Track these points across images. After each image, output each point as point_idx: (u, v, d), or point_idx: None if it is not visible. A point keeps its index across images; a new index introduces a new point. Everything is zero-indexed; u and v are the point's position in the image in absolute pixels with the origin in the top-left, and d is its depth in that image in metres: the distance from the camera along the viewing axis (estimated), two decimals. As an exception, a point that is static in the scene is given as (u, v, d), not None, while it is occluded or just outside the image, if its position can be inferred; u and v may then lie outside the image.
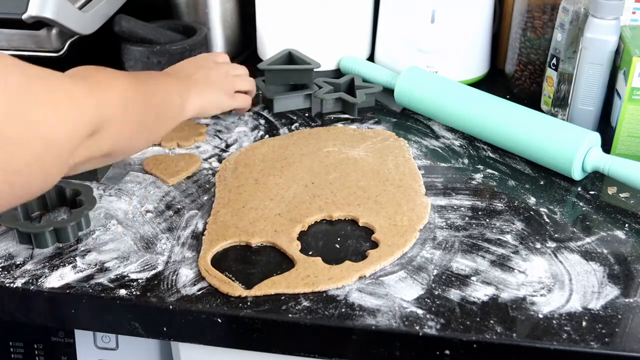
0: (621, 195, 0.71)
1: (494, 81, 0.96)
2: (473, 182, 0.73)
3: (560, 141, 0.72)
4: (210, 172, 0.75)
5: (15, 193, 0.45)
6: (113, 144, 0.54)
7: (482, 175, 0.74)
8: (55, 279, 0.59)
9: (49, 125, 0.45)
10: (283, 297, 0.56)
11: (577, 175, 0.72)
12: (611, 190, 0.72)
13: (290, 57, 0.94)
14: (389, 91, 0.90)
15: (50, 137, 0.45)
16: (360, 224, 0.66)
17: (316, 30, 0.96)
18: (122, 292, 0.57)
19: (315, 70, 0.90)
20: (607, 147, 0.76)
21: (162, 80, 0.69)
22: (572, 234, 0.65)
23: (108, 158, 0.57)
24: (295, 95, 0.89)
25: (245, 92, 0.83)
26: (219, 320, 0.56)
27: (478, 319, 0.54)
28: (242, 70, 0.84)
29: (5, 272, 0.60)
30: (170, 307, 0.56)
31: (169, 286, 0.58)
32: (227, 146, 0.81)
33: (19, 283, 0.59)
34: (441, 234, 0.64)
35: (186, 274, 0.59)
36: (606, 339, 0.52)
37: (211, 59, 0.81)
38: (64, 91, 0.48)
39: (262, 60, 1.02)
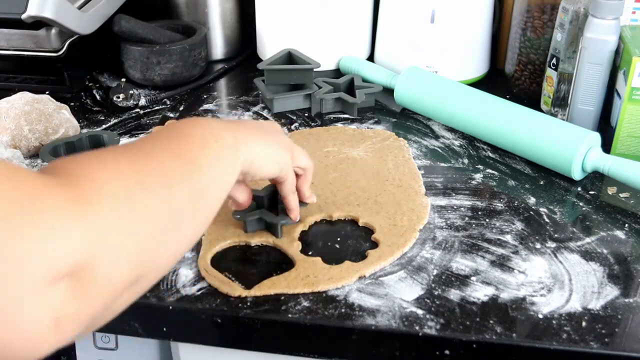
0: (621, 195, 0.71)
1: (494, 81, 0.96)
2: (473, 182, 0.73)
3: (560, 141, 0.72)
4: (210, 172, 0.75)
5: None
6: (129, 269, 0.39)
7: (482, 175, 0.74)
8: (55, 279, 0.59)
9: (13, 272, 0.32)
10: (283, 297, 0.56)
11: (577, 175, 0.72)
12: (611, 190, 0.72)
13: (290, 57, 0.94)
14: (389, 91, 0.90)
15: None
16: (360, 224, 0.66)
17: (316, 30, 0.96)
18: (122, 292, 0.57)
19: (315, 70, 0.90)
20: (607, 147, 0.76)
21: (189, 129, 0.49)
22: (572, 234, 0.65)
23: (144, 281, 0.42)
24: (294, 95, 0.89)
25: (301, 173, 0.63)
26: (219, 320, 0.56)
27: (478, 319, 0.54)
28: (305, 158, 0.63)
29: (5, 272, 0.60)
30: (170, 307, 0.56)
31: (169, 286, 0.58)
32: (227, 146, 0.81)
33: (18, 283, 0.58)
34: (441, 234, 0.64)
35: (186, 274, 0.59)
36: (606, 339, 0.52)
37: (279, 130, 0.63)
38: (27, 204, 0.34)
39: (262, 60, 1.03)
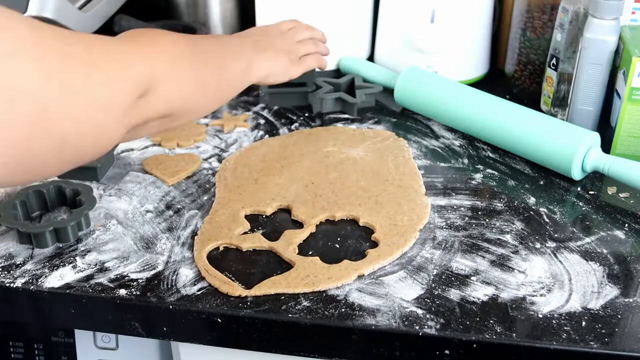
0: (621, 195, 0.71)
1: (493, 81, 0.96)
2: (473, 182, 0.73)
3: (560, 141, 0.72)
4: (210, 172, 0.75)
5: (65, 157, 0.45)
6: (169, 104, 0.54)
7: (481, 175, 0.74)
8: (55, 279, 0.59)
9: (93, 84, 0.45)
10: (283, 297, 0.57)
11: (576, 175, 0.72)
12: (611, 190, 0.72)
13: None
14: (389, 91, 0.90)
15: (96, 96, 0.45)
16: (361, 224, 0.66)
17: (316, 30, 0.96)
18: (122, 292, 0.57)
19: (315, 69, 0.90)
20: (606, 147, 0.76)
21: (225, 41, 0.68)
22: (571, 234, 0.65)
23: (169, 120, 0.56)
24: (292, 91, 0.89)
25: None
26: (219, 320, 0.56)
27: (478, 319, 0.54)
28: (307, 33, 0.83)
29: (5, 272, 0.60)
30: (170, 307, 0.56)
31: (169, 286, 0.58)
32: (227, 146, 0.81)
33: (19, 283, 0.59)
34: (441, 234, 0.64)
35: (186, 273, 0.60)
36: (606, 339, 0.52)
37: (277, 28, 0.81)
38: (108, 51, 0.47)
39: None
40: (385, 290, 0.57)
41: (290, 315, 0.55)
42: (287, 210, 0.68)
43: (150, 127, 0.55)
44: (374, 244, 0.63)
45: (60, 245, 0.63)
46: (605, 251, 0.62)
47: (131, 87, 0.49)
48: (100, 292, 0.57)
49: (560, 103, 0.84)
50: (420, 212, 0.67)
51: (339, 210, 0.67)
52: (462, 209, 0.68)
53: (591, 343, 0.52)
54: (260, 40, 0.74)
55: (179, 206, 0.69)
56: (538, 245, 0.63)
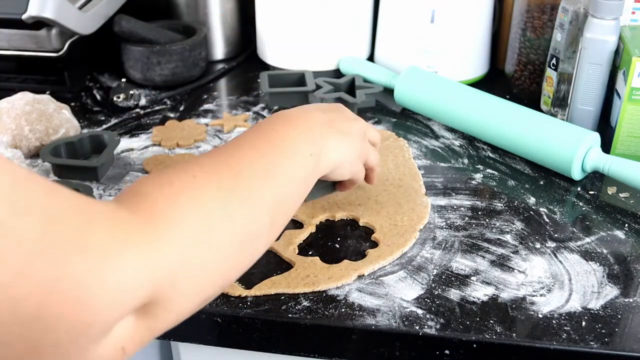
0: (621, 195, 0.71)
1: (493, 81, 0.96)
2: (473, 182, 0.73)
3: (560, 141, 0.72)
4: (210, 172, 0.75)
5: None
6: (198, 296, 0.39)
7: (482, 175, 0.74)
8: (56, 279, 0.59)
9: (63, 290, 0.30)
10: (283, 297, 0.57)
11: (576, 175, 0.72)
12: (611, 190, 0.72)
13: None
14: (389, 91, 0.90)
15: (66, 309, 0.30)
16: (361, 224, 0.66)
17: (316, 30, 0.96)
18: (122, 292, 0.57)
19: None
20: (606, 147, 0.76)
21: (284, 134, 0.49)
22: (571, 234, 0.65)
23: (201, 306, 0.41)
24: (292, 91, 0.89)
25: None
26: (219, 320, 0.56)
27: (478, 319, 0.54)
28: (377, 136, 0.64)
29: (6, 272, 0.60)
30: (170, 307, 0.56)
31: (169, 286, 0.58)
32: (227, 146, 0.81)
33: (19, 283, 0.58)
34: (441, 234, 0.64)
35: (186, 273, 0.59)
36: (606, 339, 0.52)
37: (346, 109, 0.62)
38: (99, 233, 0.32)
39: (262, 61, 1.03)
40: (385, 290, 0.57)
41: (290, 315, 0.55)
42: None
43: (187, 316, 0.40)
44: (374, 244, 0.63)
45: (60, 245, 0.63)
46: (605, 251, 0.62)
47: (126, 302, 0.33)
48: (100, 292, 0.57)
49: (560, 103, 0.84)
50: (420, 212, 0.67)
51: (339, 211, 0.67)
52: (462, 209, 0.68)
53: (591, 343, 0.52)
54: (333, 119, 0.56)
55: (179, 206, 0.69)
56: (538, 245, 0.63)
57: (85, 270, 0.31)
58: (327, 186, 0.65)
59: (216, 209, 0.39)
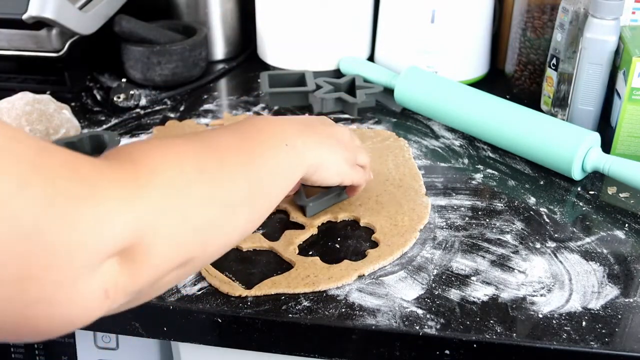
0: (621, 195, 0.71)
1: (493, 81, 0.96)
2: (473, 182, 0.73)
3: (560, 141, 0.72)
4: (210, 172, 0.75)
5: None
6: (181, 251, 0.40)
7: (482, 175, 0.74)
8: (56, 279, 0.59)
9: (58, 207, 0.32)
10: (283, 297, 0.57)
11: (577, 175, 0.72)
12: (611, 190, 0.72)
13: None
14: (389, 91, 0.90)
15: (61, 227, 0.32)
16: (362, 224, 0.66)
17: (316, 30, 0.96)
18: (123, 292, 0.57)
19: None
20: (607, 147, 0.76)
21: (251, 126, 0.52)
22: (572, 234, 0.65)
23: (192, 265, 0.43)
24: (292, 91, 0.89)
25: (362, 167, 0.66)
26: (219, 320, 0.56)
27: (478, 319, 0.54)
28: (359, 142, 0.67)
29: (6, 272, 0.60)
30: (170, 307, 0.56)
31: (169, 286, 0.58)
32: (227, 146, 0.81)
33: (19, 283, 0.58)
34: (441, 234, 0.64)
35: (186, 274, 0.59)
36: (606, 339, 0.52)
37: (329, 120, 0.65)
38: (86, 176, 0.35)
39: (262, 61, 1.03)
40: (386, 290, 0.57)
41: (290, 315, 0.55)
42: (286, 212, 0.68)
43: (169, 281, 0.42)
44: (374, 244, 0.63)
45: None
46: (605, 251, 0.62)
47: (104, 247, 0.35)
48: (100, 292, 0.57)
49: (561, 103, 0.84)
50: (420, 212, 0.67)
51: (341, 212, 0.67)
52: (462, 209, 0.68)
53: (591, 343, 0.52)
54: (313, 125, 0.59)
55: (179, 206, 0.69)
56: (538, 245, 0.63)
57: (76, 198, 0.33)
58: (337, 195, 0.67)
59: (194, 170, 0.42)
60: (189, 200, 0.41)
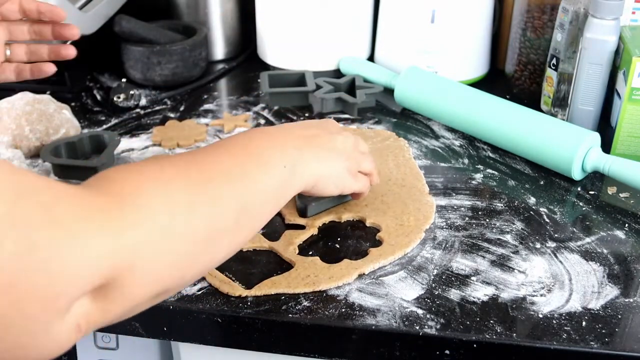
0: (621, 195, 0.71)
1: (493, 81, 0.96)
2: (473, 182, 0.73)
3: (560, 141, 0.72)
4: (210, 172, 0.75)
5: None
6: (157, 284, 0.39)
7: (482, 175, 0.74)
8: (56, 279, 0.59)
9: (34, 260, 0.32)
10: (283, 297, 0.57)
11: (577, 175, 0.72)
12: (611, 190, 0.72)
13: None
14: (389, 91, 0.90)
15: (38, 278, 0.32)
16: (368, 224, 0.66)
17: (316, 30, 0.96)
18: (123, 292, 0.57)
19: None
20: (607, 147, 0.76)
21: (245, 140, 0.50)
22: (572, 234, 0.65)
23: (166, 294, 0.42)
24: (292, 91, 0.89)
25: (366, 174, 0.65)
26: (219, 320, 0.56)
27: (478, 319, 0.54)
28: (366, 146, 0.65)
29: (6, 272, 0.60)
30: (171, 307, 0.56)
31: (169, 286, 0.58)
32: (227, 146, 0.81)
33: (19, 283, 0.58)
34: (441, 234, 0.64)
35: (186, 274, 0.59)
36: (606, 339, 0.52)
37: (333, 124, 0.63)
38: (64, 211, 0.34)
39: (262, 61, 1.03)
40: (386, 290, 0.57)
41: (290, 315, 0.55)
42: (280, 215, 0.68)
43: (142, 307, 0.41)
44: (375, 244, 0.63)
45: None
46: (605, 251, 0.62)
47: (82, 281, 0.34)
48: (100, 292, 0.57)
49: (561, 103, 0.84)
50: (426, 212, 0.67)
51: (346, 212, 0.67)
52: (462, 209, 0.68)
53: (591, 343, 0.52)
54: (313, 135, 0.57)
55: (179, 206, 0.69)
56: (538, 245, 0.63)
57: (52, 244, 0.33)
58: (339, 196, 0.66)
59: (181, 200, 0.40)
60: (171, 238, 0.39)
